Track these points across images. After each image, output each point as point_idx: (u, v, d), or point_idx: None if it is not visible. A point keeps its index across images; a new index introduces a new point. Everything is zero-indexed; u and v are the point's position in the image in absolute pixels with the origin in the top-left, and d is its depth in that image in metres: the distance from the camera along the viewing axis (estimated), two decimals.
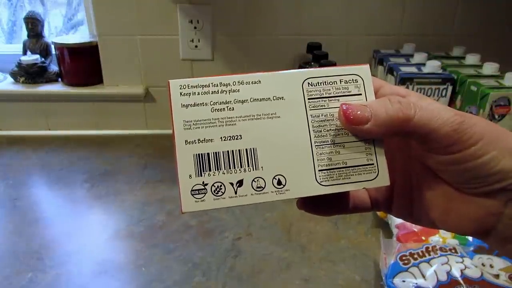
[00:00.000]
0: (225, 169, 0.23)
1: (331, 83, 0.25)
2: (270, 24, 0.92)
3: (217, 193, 0.23)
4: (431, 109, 0.23)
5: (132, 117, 1.00)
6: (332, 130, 0.24)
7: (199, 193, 0.23)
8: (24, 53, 1.00)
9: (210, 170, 0.23)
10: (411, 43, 0.89)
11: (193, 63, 0.95)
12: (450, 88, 0.75)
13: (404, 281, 0.51)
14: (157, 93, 0.98)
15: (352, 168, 0.24)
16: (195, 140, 0.23)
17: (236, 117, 0.23)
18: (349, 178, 0.24)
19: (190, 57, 0.94)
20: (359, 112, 0.23)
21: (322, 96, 0.24)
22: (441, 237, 0.58)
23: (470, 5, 0.91)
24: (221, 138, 0.23)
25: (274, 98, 0.24)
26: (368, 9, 0.91)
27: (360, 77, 0.25)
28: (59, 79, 0.99)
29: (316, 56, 0.81)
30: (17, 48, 1.03)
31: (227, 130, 0.23)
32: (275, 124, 0.23)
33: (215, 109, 0.23)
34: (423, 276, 0.51)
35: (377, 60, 0.89)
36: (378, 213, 0.67)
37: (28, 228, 0.67)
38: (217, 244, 0.64)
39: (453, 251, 0.53)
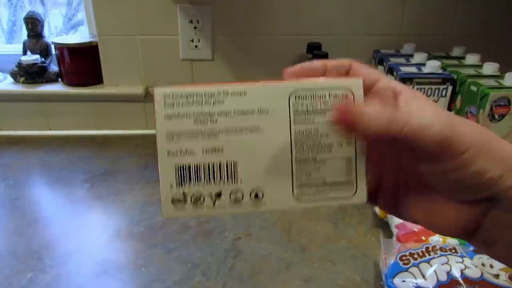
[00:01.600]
0: (205, 181, 0.23)
1: (319, 97, 0.24)
2: (270, 24, 0.92)
3: (196, 203, 0.24)
4: (419, 120, 0.22)
5: (132, 117, 1.00)
6: (315, 146, 0.24)
7: (179, 202, 0.24)
8: (24, 53, 1.00)
9: (190, 181, 0.23)
10: (411, 43, 0.89)
11: (193, 63, 0.95)
12: (450, 88, 0.75)
13: (404, 281, 0.51)
14: None
15: (330, 185, 0.24)
16: (177, 152, 0.23)
17: (219, 129, 0.23)
18: (327, 194, 0.24)
19: (190, 57, 0.94)
20: (353, 112, 0.23)
21: (308, 110, 0.24)
22: (441, 237, 0.58)
23: (470, 5, 0.91)
24: (202, 150, 0.23)
25: (259, 110, 0.23)
26: (368, 9, 0.91)
27: (351, 91, 0.24)
28: (59, 79, 0.99)
29: (316, 56, 0.81)
30: (17, 48, 1.03)
31: (209, 142, 0.23)
32: (258, 138, 0.23)
33: (199, 121, 0.23)
34: (423, 276, 0.51)
35: (377, 60, 0.89)
36: (378, 213, 0.67)
37: (28, 228, 0.67)
38: (217, 244, 0.64)
39: (453, 251, 0.53)
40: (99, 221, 0.70)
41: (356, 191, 0.24)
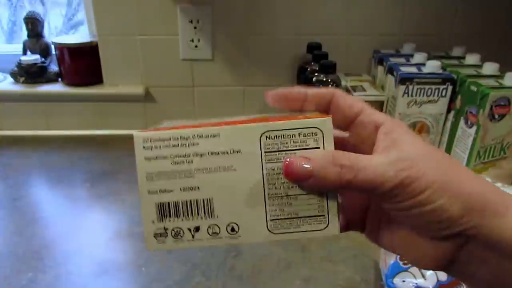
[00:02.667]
0: (183, 216, 0.25)
1: (289, 136, 0.25)
2: (270, 24, 0.92)
3: (176, 237, 0.26)
4: (374, 166, 0.23)
5: (132, 117, 1.00)
6: (286, 182, 0.25)
7: (160, 236, 0.26)
8: (24, 53, 1.00)
9: (170, 217, 0.25)
10: (411, 43, 0.89)
11: (193, 63, 0.95)
12: (450, 88, 0.75)
13: (404, 281, 0.51)
14: (157, 93, 0.98)
15: (303, 218, 0.25)
16: (156, 190, 0.25)
17: (194, 169, 0.25)
18: (300, 227, 0.25)
19: (190, 57, 0.94)
20: (299, 170, 0.24)
21: (279, 149, 0.25)
22: None
23: (470, 5, 0.91)
24: (180, 189, 0.25)
25: (231, 151, 0.24)
26: (368, 9, 0.91)
27: (320, 130, 0.25)
28: (59, 79, 0.99)
29: (316, 56, 0.81)
30: (17, 48, 1.03)
31: (185, 181, 0.25)
32: (231, 177, 0.25)
33: (175, 162, 0.25)
34: (423, 276, 0.51)
35: (377, 60, 0.89)
36: None
37: (28, 228, 0.67)
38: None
39: None
40: (99, 221, 0.70)
41: (328, 224, 0.26)
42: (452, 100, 0.76)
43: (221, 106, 1.00)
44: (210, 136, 0.24)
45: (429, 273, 0.51)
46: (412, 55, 0.83)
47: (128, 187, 0.78)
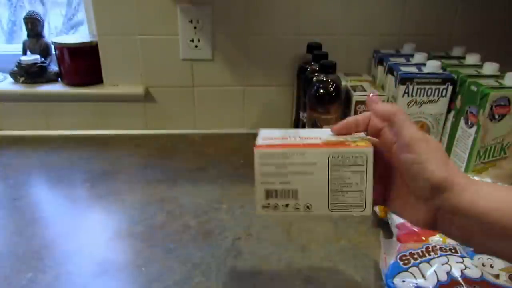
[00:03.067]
0: (279, 198, 0.42)
1: (346, 157, 0.40)
2: (270, 24, 0.92)
3: (275, 208, 0.43)
4: (401, 112, 0.39)
5: (132, 117, 1.00)
6: (342, 184, 0.41)
7: (265, 207, 0.43)
8: (24, 53, 1.00)
9: (272, 198, 0.42)
10: (411, 43, 0.89)
11: (193, 63, 0.95)
12: (450, 88, 0.75)
13: (404, 281, 0.51)
14: (157, 93, 0.98)
15: (350, 204, 0.42)
16: (265, 182, 0.42)
17: (288, 172, 0.41)
18: (347, 209, 0.42)
19: (190, 57, 0.94)
20: (377, 98, 0.42)
21: (339, 164, 0.40)
22: (441, 237, 0.58)
23: (470, 5, 0.91)
24: (279, 182, 0.41)
25: (312, 163, 0.41)
26: (368, 9, 0.91)
27: (365, 154, 0.40)
28: (59, 79, 0.99)
29: (316, 56, 0.81)
30: (17, 48, 1.03)
31: (282, 179, 0.41)
32: (310, 178, 0.41)
33: (278, 167, 0.41)
34: (423, 276, 0.51)
35: (377, 60, 0.89)
36: (378, 213, 0.67)
37: (28, 228, 0.67)
38: (217, 244, 0.64)
39: (453, 251, 0.53)
40: (99, 221, 0.70)
41: (365, 208, 0.42)
42: (452, 100, 0.76)
43: (221, 106, 1.00)
44: (300, 154, 0.41)
45: (429, 273, 0.51)
46: (412, 55, 0.83)
47: (128, 187, 0.78)
